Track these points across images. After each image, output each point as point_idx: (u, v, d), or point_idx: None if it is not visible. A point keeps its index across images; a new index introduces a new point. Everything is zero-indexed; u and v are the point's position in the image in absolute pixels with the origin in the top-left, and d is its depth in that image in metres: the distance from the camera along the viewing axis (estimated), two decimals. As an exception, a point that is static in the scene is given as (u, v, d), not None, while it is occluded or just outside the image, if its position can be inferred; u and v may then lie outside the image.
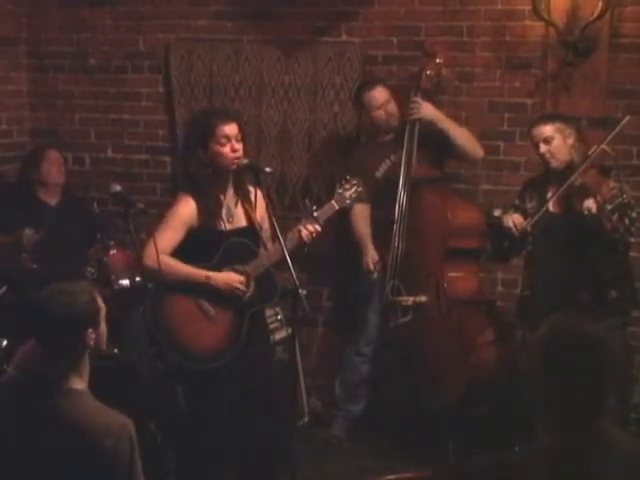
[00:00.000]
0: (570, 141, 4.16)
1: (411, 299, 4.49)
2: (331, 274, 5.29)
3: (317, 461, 4.49)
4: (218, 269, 3.73)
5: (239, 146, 3.71)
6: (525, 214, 4.25)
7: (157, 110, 5.53)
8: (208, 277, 3.70)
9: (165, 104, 5.50)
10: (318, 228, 3.73)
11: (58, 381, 2.58)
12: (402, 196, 4.55)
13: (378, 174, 4.70)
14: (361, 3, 5.07)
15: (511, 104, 4.92)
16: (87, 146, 5.62)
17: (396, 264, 4.55)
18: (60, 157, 5.12)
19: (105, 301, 2.72)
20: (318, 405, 5.15)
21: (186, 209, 3.73)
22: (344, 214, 4.49)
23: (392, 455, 4.47)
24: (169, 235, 3.72)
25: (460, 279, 4.52)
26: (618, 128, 4.06)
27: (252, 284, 3.74)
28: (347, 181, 3.85)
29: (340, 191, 3.83)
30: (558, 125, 4.16)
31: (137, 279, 4.57)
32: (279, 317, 4.86)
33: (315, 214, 3.74)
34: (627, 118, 4.12)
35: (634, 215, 4.00)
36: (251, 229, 3.82)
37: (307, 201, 3.96)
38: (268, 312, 4.46)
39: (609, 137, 4.02)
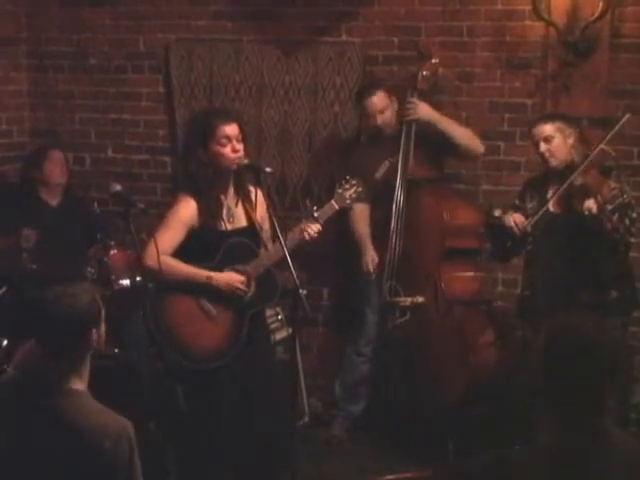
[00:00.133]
0: (570, 141, 4.16)
1: (409, 300, 4.49)
2: (331, 274, 5.29)
3: (317, 461, 4.49)
4: (219, 269, 3.73)
5: (240, 146, 3.71)
6: (525, 214, 4.25)
7: (157, 110, 5.53)
8: (209, 277, 3.70)
9: (165, 104, 5.50)
10: (319, 228, 3.73)
11: (58, 381, 2.58)
12: (399, 196, 4.55)
13: (378, 175, 4.70)
14: (361, 3, 5.07)
15: (511, 104, 4.92)
16: (87, 146, 5.62)
17: (394, 265, 4.55)
18: (63, 157, 5.12)
19: (105, 301, 2.72)
20: (318, 405, 5.15)
21: (186, 209, 3.73)
22: (344, 214, 4.49)
23: (392, 455, 4.47)
24: (169, 235, 3.71)
25: (458, 279, 4.53)
26: (618, 126, 4.06)
27: (253, 284, 3.75)
28: (347, 181, 3.85)
29: (340, 191, 3.83)
30: (559, 125, 4.16)
31: (137, 279, 4.57)
32: (279, 317, 4.86)
33: (315, 214, 3.74)
34: (627, 116, 4.12)
35: (634, 215, 4.00)
36: (251, 229, 3.82)
37: (307, 201, 3.96)
38: (268, 312, 4.46)
39: (609, 136, 4.03)
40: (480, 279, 4.75)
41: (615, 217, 3.90)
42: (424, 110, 4.55)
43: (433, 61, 4.58)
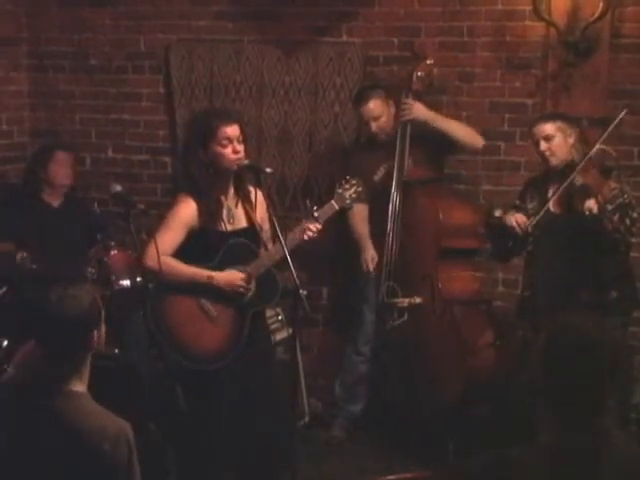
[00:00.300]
0: (571, 141, 4.16)
1: (406, 300, 4.48)
2: (330, 274, 5.29)
3: (317, 461, 4.49)
4: (219, 270, 3.73)
5: (240, 147, 3.70)
6: (527, 214, 4.26)
7: (158, 110, 5.53)
8: (210, 277, 3.70)
9: (166, 104, 5.50)
10: (319, 228, 3.73)
11: (58, 383, 2.57)
12: (395, 197, 4.55)
13: (376, 177, 4.70)
14: (361, 3, 5.07)
15: (511, 104, 4.92)
16: (87, 146, 5.62)
17: (391, 266, 4.55)
18: (69, 159, 5.11)
19: (105, 301, 2.72)
20: (318, 405, 5.15)
21: (186, 210, 3.72)
22: (343, 214, 4.49)
23: (392, 455, 4.46)
24: (170, 236, 3.71)
25: (455, 279, 4.53)
26: (616, 121, 4.06)
27: (253, 283, 3.75)
28: (347, 181, 3.86)
29: (340, 191, 3.83)
30: (559, 124, 4.17)
31: (138, 279, 4.57)
32: (280, 317, 4.86)
33: (315, 214, 3.74)
34: (624, 112, 4.12)
35: (635, 215, 4.00)
36: (252, 229, 3.82)
37: (307, 201, 3.96)
38: (269, 312, 4.46)
39: (607, 132, 4.03)
40: (478, 279, 4.76)
41: (616, 217, 3.90)
42: (419, 110, 4.55)
43: (428, 62, 4.57)
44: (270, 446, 3.79)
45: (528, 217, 4.19)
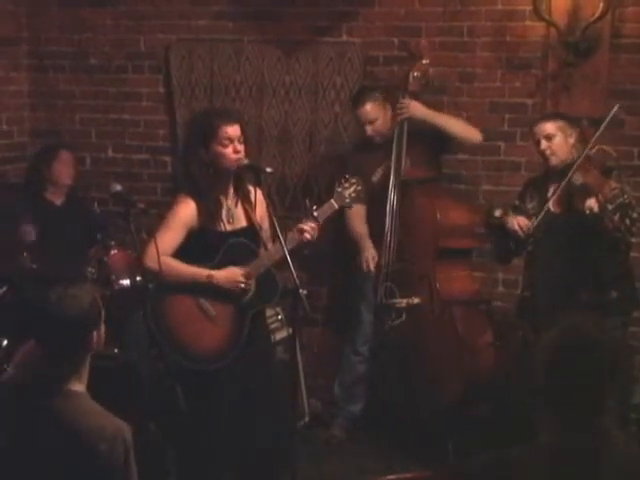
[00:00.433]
0: (572, 141, 4.17)
1: (404, 301, 4.48)
2: (329, 273, 5.29)
3: (317, 461, 4.49)
4: (219, 270, 3.73)
5: (241, 147, 3.70)
6: (526, 214, 4.26)
7: (158, 110, 5.54)
8: (210, 276, 3.70)
9: (166, 104, 5.51)
10: (318, 227, 3.72)
11: (57, 383, 2.57)
12: (392, 197, 4.55)
13: (374, 178, 4.70)
14: (362, 3, 5.07)
15: (512, 104, 4.92)
16: (88, 146, 5.62)
17: (389, 266, 4.55)
18: (73, 158, 5.12)
19: (105, 301, 2.72)
20: (318, 405, 5.15)
21: (186, 210, 3.72)
22: (341, 214, 4.48)
23: (392, 455, 4.46)
24: (169, 236, 3.71)
25: (453, 279, 4.52)
26: (608, 119, 4.05)
27: (253, 281, 3.74)
28: (346, 180, 3.85)
29: (339, 190, 3.82)
30: (560, 124, 4.17)
31: (137, 279, 4.57)
32: (280, 317, 4.86)
33: (315, 213, 3.73)
34: (616, 107, 4.11)
35: (635, 215, 4.00)
36: (251, 229, 3.81)
37: (307, 201, 3.96)
38: (269, 312, 4.46)
39: (600, 129, 4.03)
40: (477, 279, 4.76)
41: (616, 217, 3.90)
42: (415, 108, 4.55)
43: (424, 62, 4.56)
44: (270, 446, 3.79)
45: (529, 219, 4.19)
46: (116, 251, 4.72)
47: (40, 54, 5.65)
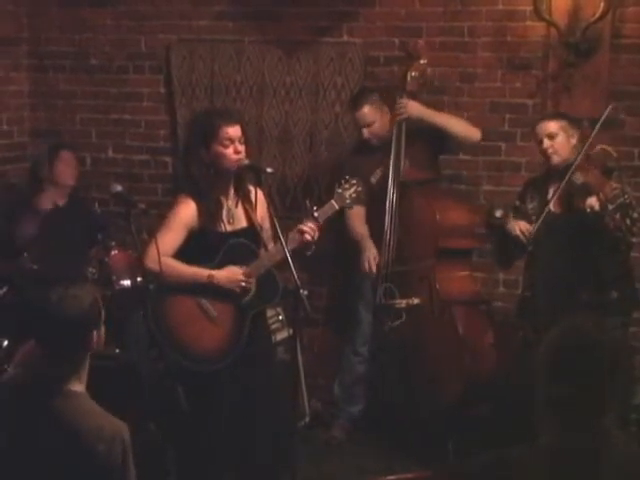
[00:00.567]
0: (573, 141, 4.18)
1: (404, 302, 4.48)
2: (329, 274, 5.29)
3: (317, 461, 4.49)
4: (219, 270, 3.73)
5: (242, 148, 3.70)
6: (527, 216, 4.26)
7: (158, 110, 5.54)
8: (210, 276, 3.69)
9: (166, 104, 5.51)
10: (313, 227, 3.72)
11: (57, 382, 2.58)
12: (392, 198, 4.55)
13: (373, 179, 4.70)
14: (362, 4, 5.08)
15: (512, 105, 4.93)
16: (88, 146, 5.62)
17: (388, 267, 4.55)
18: (74, 158, 5.13)
19: (106, 301, 2.72)
20: (318, 406, 5.15)
21: (186, 211, 3.72)
22: (341, 215, 4.48)
23: (392, 455, 4.47)
24: (170, 237, 3.70)
25: (453, 280, 4.52)
26: (604, 117, 4.06)
27: (254, 281, 3.75)
28: (347, 181, 3.85)
29: (340, 191, 3.82)
30: (563, 123, 4.18)
31: (138, 279, 4.58)
32: (280, 317, 4.86)
33: (315, 214, 3.73)
34: (610, 107, 4.12)
35: (635, 215, 4.00)
36: (252, 230, 3.81)
37: (307, 201, 3.95)
38: (269, 312, 4.46)
39: (596, 128, 4.04)
40: (477, 279, 4.76)
41: (617, 217, 3.91)
42: (413, 108, 4.55)
43: (421, 62, 4.55)
44: (270, 446, 3.79)
45: (530, 223, 4.19)
46: (117, 251, 4.72)
47: (40, 54, 5.65)
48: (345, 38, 5.15)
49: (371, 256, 4.68)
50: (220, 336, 3.73)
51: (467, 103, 4.98)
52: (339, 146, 5.19)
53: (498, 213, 4.33)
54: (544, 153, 4.19)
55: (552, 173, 4.23)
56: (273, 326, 4.69)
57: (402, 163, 4.56)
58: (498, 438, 3.89)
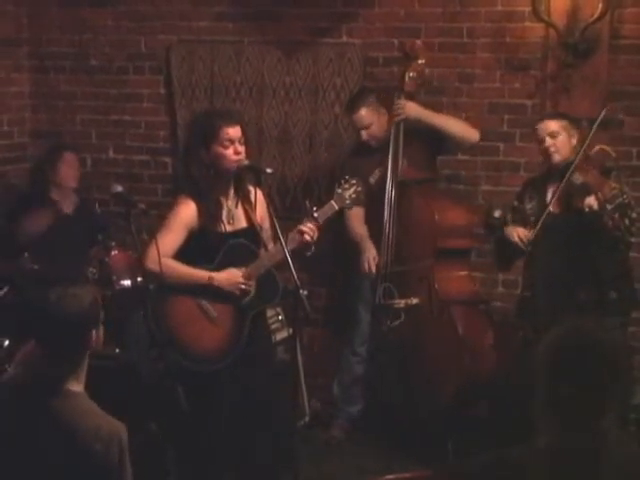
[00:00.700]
0: (574, 141, 4.19)
1: (403, 302, 4.48)
2: (329, 274, 5.30)
3: (317, 461, 4.49)
4: (219, 271, 3.73)
5: (242, 149, 3.70)
6: (525, 216, 4.28)
7: (158, 111, 5.55)
8: (211, 278, 3.70)
9: (166, 105, 5.52)
10: (318, 227, 3.73)
11: (57, 382, 2.58)
12: (391, 198, 4.56)
13: (372, 180, 4.70)
14: (361, 4, 5.09)
15: (511, 105, 4.94)
16: (88, 147, 5.63)
17: (387, 267, 4.56)
18: (77, 160, 5.14)
19: (106, 301, 2.73)
20: (318, 405, 5.16)
21: (187, 212, 3.72)
22: (340, 215, 4.49)
23: (392, 455, 4.46)
24: (170, 238, 3.71)
25: (451, 279, 4.53)
26: (599, 120, 4.07)
27: (254, 282, 3.75)
28: (346, 181, 3.85)
29: (339, 191, 3.83)
30: (564, 123, 4.20)
31: (138, 279, 4.58)
32: (280, 317, 4.86)
33: (315, 214, 3.74)
34: (605, 109, 4.13)
35: (634, 215, 4.02)
36: (251, 230, 3.82)
37: (307, 202, 3.96)
38: (269, 312, 4.47)
39: (592, 130, 4.05)
40: (476, 279, 4.76)
41: (616, 216, 3.92)
42: (411, 109, 4.55)
43: (419, 62, 4.55)
44: (270, 446, 3.80)
45: (528, 223, 4.20)
46: (117, 252, 4.73)
47: (41, 55, 5.66)
48: (344, 39, 5.15)
49: (370, 257, 4.68)
50: (220, 336, 3.74)
51: (466, 104, 4.99)
52: (339, 146, 5.20)
53: (496, 213, 4.34)
54: (545, 152, 4.19)
55: (551, 173, 4.24)
56: (273, 326, 4.69)
57: (400, 163, 4.57)
58: (498, 438, 3.90)
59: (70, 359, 2.61)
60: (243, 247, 3.79)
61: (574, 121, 4.27)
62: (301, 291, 3.43)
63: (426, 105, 4.66)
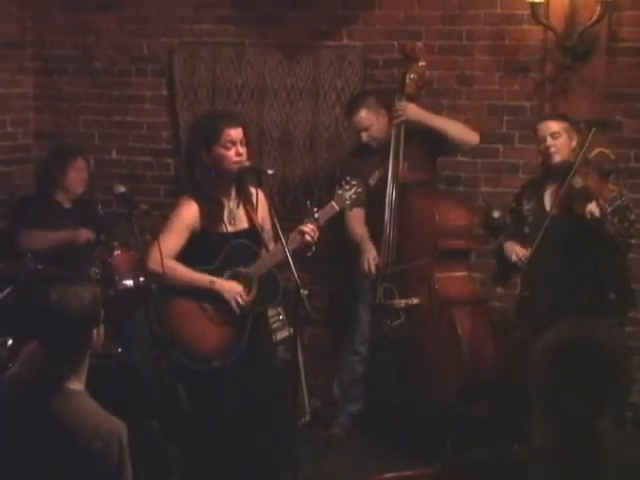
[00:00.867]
0: (573, 143, 4.20)
1: (403, 302, 4.49)
2: (330, 274, 5.32)
3: (317, 460, 4.47)
4: (220, 272, 3.75)
5: (243, 150, 3.71)
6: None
7: (160, 113, 5.57)
8: (212, 282, 3.72)
9: (168, 107, 5.54)
10: (319, 228, 3.75)
11: (58, 381, 2.58)
12: (391, 199, 4.57)
13: (372, 181, 4.72)
14: (362, 7, 5.10)
15: (510, 107, 4.95)
16: (91, 148, 5.64)
17: (387, 267, 4.58)
18: (86, 166, 5.16)
19: (109, 301, 2.74)
20: (318, 405, 5.17)
21: (189, 212, 3.74)
22: (340, 216, 4.51)
23: (392, 454, 4.47)
24: (172, 239, 3.73)
25: (451, 279, 4.53)
26: (592, 133, 4.09)
27: (254, 289, 3.77)
28: (347, 182, 3.86)
29: (340, 192, 3.84)
30: (565, 125, 4.21)
31: (141, 280, 4.60)
32: (281, 317, 4.87)
33: (316, 215, 3.75)
34: (594, 130, 4.14)
35: (633, 217, 4.02)
36: (253, 231, 3.83)
37: (308, 202, 3.98)
38: (270, 312, 4.47)
39: (589, 135, 4.07)
40: (475, 279, 4.78)
41: (615, 219, 3.93)
42: (412, 111, 4.57)
43: (420, 64, 4.57)
44: (271, 445, 3.81)
45: (527, 247, 4.21)
46: (119, 252, 4.74)
47: (45, 57, 5.68)
48: (345, 41, 5.17)
49: (371, 257, 4.70)
50: (221, 336, 3.76)
51: (465, 106, 5.01)
52: (339, 148, 5.21)
53: (496, 214, 4.36)
54: (545, 152, 4.20)
55: (550, 174, 4.25)
56: (274, 325, 4.70)
57: (400, 165, 4.59)
58: (497, 438, 3.92)
59: (71, 358, 2.60)
60: (244, 247, 3.80)
61: (574, 124, 4.30)
62: (302, 291, 3.44)
63: (426, 107, 4.68)
